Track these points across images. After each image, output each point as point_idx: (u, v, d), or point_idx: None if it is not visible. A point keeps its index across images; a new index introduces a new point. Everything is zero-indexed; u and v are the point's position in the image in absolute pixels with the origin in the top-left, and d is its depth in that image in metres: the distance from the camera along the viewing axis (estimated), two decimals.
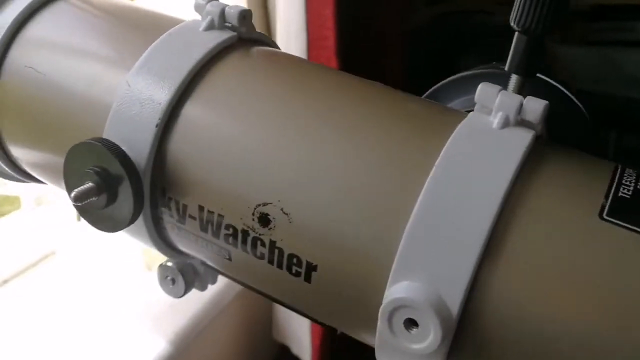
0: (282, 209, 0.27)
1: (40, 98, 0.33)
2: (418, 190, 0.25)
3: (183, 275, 0.38)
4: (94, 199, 0.29)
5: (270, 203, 0.27)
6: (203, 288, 0.40)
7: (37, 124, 0.34)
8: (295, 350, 0.92)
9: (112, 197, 0.29)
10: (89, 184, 0.28)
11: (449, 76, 0.39)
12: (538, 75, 0.34)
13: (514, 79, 0.29)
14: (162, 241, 0.33)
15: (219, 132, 0.29)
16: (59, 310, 0.72)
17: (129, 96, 0.30)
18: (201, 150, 0.29)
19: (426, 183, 0.24)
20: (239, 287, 0.38)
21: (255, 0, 0.77)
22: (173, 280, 0.38)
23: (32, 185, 0.41)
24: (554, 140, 0.29)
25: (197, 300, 0.76)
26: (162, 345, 0.70)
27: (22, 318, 0.70)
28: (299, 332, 0.89)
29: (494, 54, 0.38)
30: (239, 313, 0.87)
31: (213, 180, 0.29)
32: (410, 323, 0.24)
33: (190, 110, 0.30)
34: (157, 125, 0.29)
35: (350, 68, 0.36)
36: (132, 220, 0.29)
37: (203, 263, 0.38)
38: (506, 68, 0.29)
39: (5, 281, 0.77)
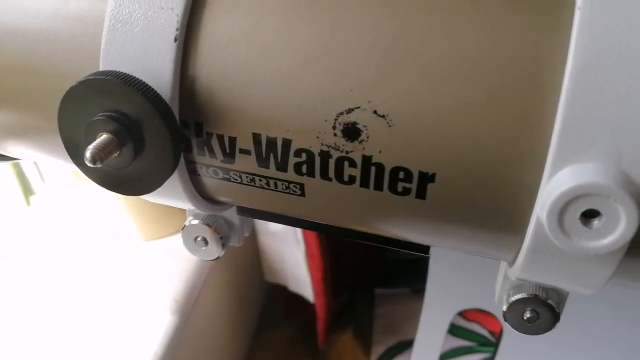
0: (375, 112, 0.21)
1: None
2: (560, 47, 0.19)
3: (217, 231, 0.31)
4: (115, 155, 0.21)
5: (358, 107, 0.21)
6: (240, 242, 0.33)
7: None
8: (293, 287, 0.88)
9: (139, 148, 0.22)
10: (106, 136, 0.21)
11: None
12: None
13: None
14: (200, 194, 0.26)
15: (265, 29, 0.22)
16: (34, 309, 0.64)
17: (126, 8, 0.22)
18: (245, 62, 0.22)
19: (575, 30, 0.18)
20: None
21: None
22: (205, 241, 0.32)
23: None
24: None
25: (187, 263, 0.70)
26: (166, 317, 0.63)
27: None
28: (294, 268, 0.84)
29: None
30: (230, 265, 0.81)
31: (269, 98, 0.22)
32: (586, 217, 0.19)
33: (213, 12, 0.22)
34: (176, 39, 0.21)
35: None
36: (172, 171, 0.22)
37: (241, 211, 0.31)
38: None
39: None
